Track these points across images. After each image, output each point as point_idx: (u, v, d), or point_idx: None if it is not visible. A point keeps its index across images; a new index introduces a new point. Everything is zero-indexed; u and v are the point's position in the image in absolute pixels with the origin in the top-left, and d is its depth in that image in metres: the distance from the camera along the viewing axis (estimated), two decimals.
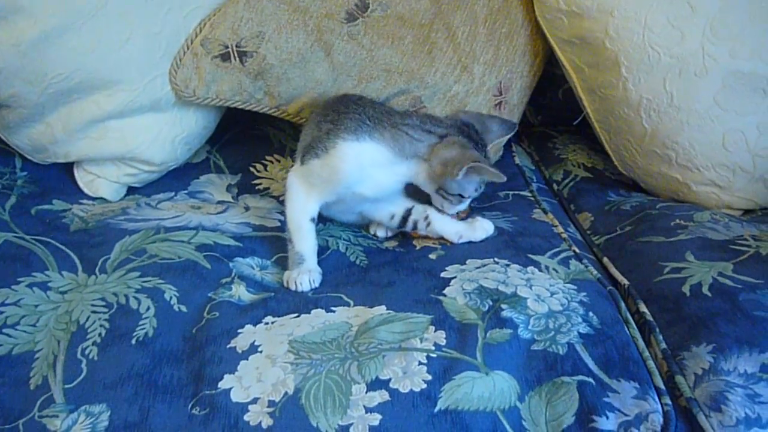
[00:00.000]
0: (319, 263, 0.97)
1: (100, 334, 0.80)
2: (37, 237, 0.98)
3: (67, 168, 1.19)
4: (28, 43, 1.01)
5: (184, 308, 0.85)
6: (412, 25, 1.15)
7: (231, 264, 0.95)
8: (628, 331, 0.83)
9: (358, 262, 1.00)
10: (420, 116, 1.02)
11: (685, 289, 0.88)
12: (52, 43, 1.02)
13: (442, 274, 0.92)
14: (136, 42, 1.07)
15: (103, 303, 0.84)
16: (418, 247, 1.02)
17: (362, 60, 1.13)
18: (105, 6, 1.04)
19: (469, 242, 1.02)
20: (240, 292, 0.89)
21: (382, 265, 0.98)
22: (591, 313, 0.83)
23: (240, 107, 1.17)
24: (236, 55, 1.11)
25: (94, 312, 0.83)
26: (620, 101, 1.17)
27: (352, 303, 0.87)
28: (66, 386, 0.74)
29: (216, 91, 1.14)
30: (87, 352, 0.78)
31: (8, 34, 1.00)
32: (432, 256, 0.98)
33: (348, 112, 0.98)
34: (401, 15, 1.14)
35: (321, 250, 1.00)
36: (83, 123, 1.10)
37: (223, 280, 0.91)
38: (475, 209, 1.14)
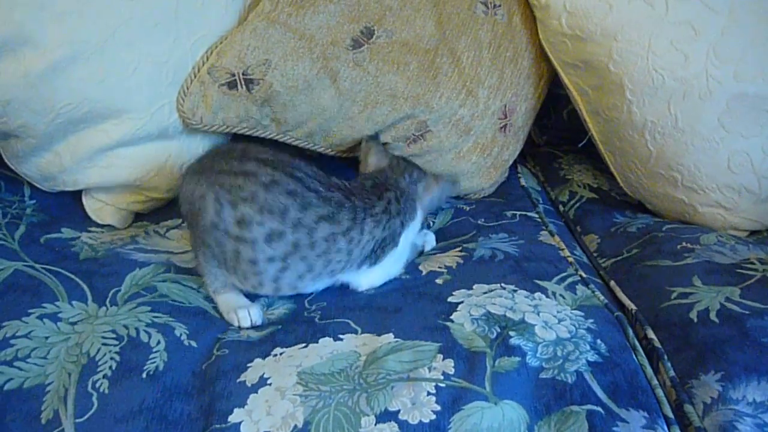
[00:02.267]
0: (326, 291, 0.97)
1: (110, 367, 0.80)
2: (46, 266, 0.98)
3: (75, 195, 1.20)
4: (36, 74, 1.01)
5: (194, 343, 0.85)
6: (417, 51, 1.16)
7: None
8: (636, 359, 0.83)
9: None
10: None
11: (693, 315, 0.88)
12: (60, 74, 1.03)
13: (449, 299, 0.92)
14: (144, 71, 1.08)
15: (114, 335, 0.85)
16: (424, 273, 1.03)
17: (368, 86, 1.14)
18: (113, 36, 1.04)
19: (473, 266, 1.01)
20: (248, 333, 0.90)
21: (389, 291, 0.98)
22: (599, 341, 0.84)
23: (246, 133, 1.18)
24: (243, 82, 1.12)
25: (104, 344, 0.83)
26: (625, 124, 1.17)
27: (359, 330, 0.87)
28: (77, 420, 0.74)
29: (223, 118, 1.15)
30: (98, 385, 0.78)
31: (17, 65, 1.01)
32: (438, 281, 0.99)
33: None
34: (406, 41, 1.15)
35: None
36: (91, 151, 1.11)
37: (231, 326, 0.92)
38: (484, 229, 1.15)
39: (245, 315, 0.92)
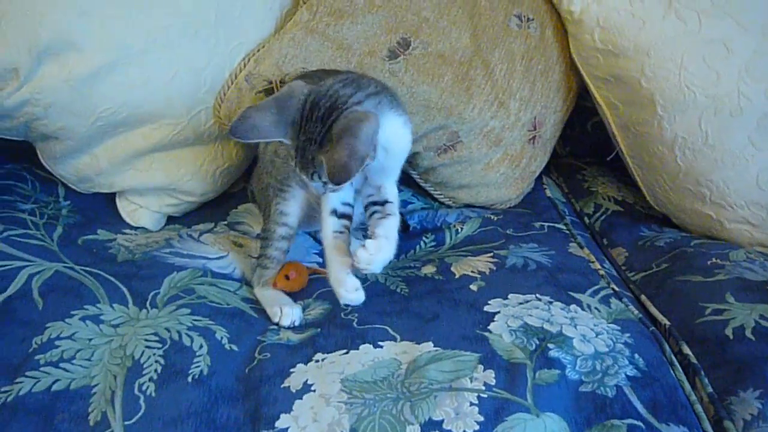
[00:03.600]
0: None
1: (156, 370, 0.81)
2: (86, 268, 0.99)
3: (108, 197, 1.21)
4: (79, 78, 1.03)
5: (235, 347, 0.87)
6: (451, 62, 1.17)
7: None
8: (674, 374, 0.84)
9: (398, 290, 1.01)
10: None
11: (728, 331, 0.89)
12: (102, 78, 1.04)
13: (486, 308, 0.93)
14: (183, 77, 1.10)
15: (157, 338, 0.86)
16: (457, 276, 1.03)
17: (402, 96, 1.15)
18: (154, 43, 1.06)
19: (506, 274, 1.02)
20: (288, 335, 0.91)
21: (423, 295, 0.99)
22: (637, 355, 0.85)
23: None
24: None
25: (148, 347, 0.85)
26: (655, 139, 1.19)
27: (398, 337, 0.88)
28: (126, 423, 0.75)
29: None
30: (144, 388, 0.79)
31: (61, 69, 1.02)
32: (473, 287, 0.99)
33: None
34: (441, 53, 1.17)
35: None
36: (129, 155, 1.12)
37: (270, 327, 0.93)
38: (513, 238, 1.15)
39: (289, 312, 0.93)
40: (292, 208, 1.02)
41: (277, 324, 0.94)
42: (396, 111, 0.91)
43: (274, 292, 0.99)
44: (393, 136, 0.90)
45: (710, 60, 1.12)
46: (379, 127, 0.83)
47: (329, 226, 0.95)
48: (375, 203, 0.98)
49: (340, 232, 0.95)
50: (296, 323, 0.94)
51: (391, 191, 0.98)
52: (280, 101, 0.86)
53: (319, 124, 0.83)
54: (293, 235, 1.03)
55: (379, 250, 0.89)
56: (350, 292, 0.90)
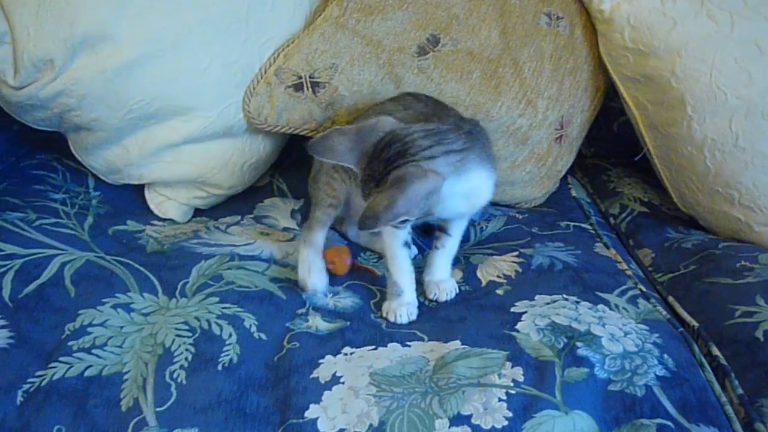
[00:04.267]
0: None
1: (186, 359, 0.82)
2: (116, 257, 1.01)
3: (137, 189, 1.22)
4: (113, 70, 1.04)
5: (264, 336, 0.87)
6: (480, 60, 1.17)
7: (304, 296, 0.97)
8: (703, 375, 0.83)
9: (426, 302, 1.00)
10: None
11: (759, 334, 0.88)
12: (135, 70, 1.05)
13: (512, 309, 0.93)
14: (214, 71, 1.11)
15: (187, 327, 0.87)
16: (483, 283, 1.03)
17: (431, 93, 1.15)
18: (187, 36, 1.07)
19: (533, 276, 1.02)
20: (317, 323, 0.91)
21: (450, 302, 0.99)
22: (666, 355, 0.84)
23: (308, 135, 1.20)
24: (309, 85, 1.14)
25: (178, 336, 0.85)
26: (684, 139, 1.18)
27: (426, 338, 0.89)
28: (158, 409, 0.76)
29: (287, 119, 1.17)
30: (175, 375, 0.80)
31: (95, 61, 1.04)
32: (499, 292, 1.00)
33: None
34: (471, 50, 1.17)
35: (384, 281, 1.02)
36: (159, 147, 1.13)
37: (299, 311, 0.94)
38: (538, 237, 1.15)
39: (315, 281, 0.98)
40: (339, 188, 1.04)
41: (302, 288, 0.98)
42: (482, 165, 0.91)
43: (312, 256, 1.01)
44: (475, 189, 0.91)
45: (742, 61, 1.12)
46: (439, 187, 0.82)
47: (405, 256, 0.98)
48: (440, 228, 1.02)
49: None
50: (323, 290, 0.98)
51: (458, 228, 1.02)
52: (363, 131, 0.87)
53: (383, 164, 0.83)
54: (339, 206, 1.05)
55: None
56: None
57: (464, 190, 0.88)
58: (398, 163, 0.82)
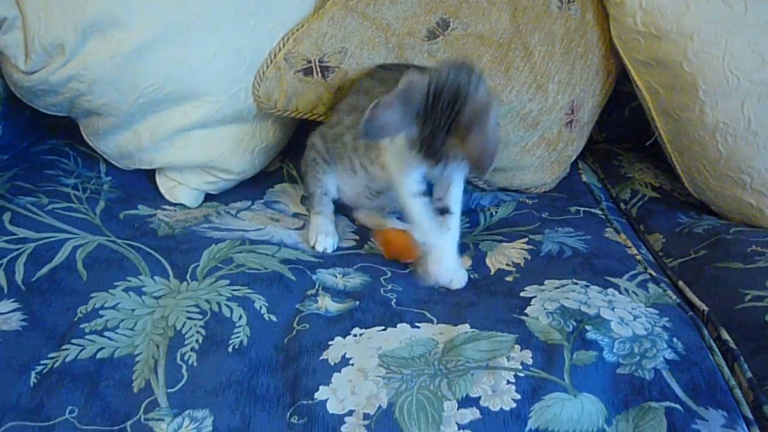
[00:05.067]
0: (400, 278, 0.99)
1: (197, 341, 0.83)
2: (127, 241, 1.01)
3: (148, 174, 1.23)
4: (123, 55, 1.05)
5: (274, 318, 0.88)
6: (490, 44, 1.17)
7: (314, 277, 0.97)
8: (713, 359, 0.83)
9: (437, 287, 1.00)
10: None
11: None
12: (146, 55, 1.06)
13: (522, 294, 0.94)
14: (224, 55, 1.11)
15: (197, 310, 0.88)
16: (492, 271, 1.03)
17: None
18: (197, 20, 1.07)
19: (542, 263, 1.03)
20: (326, 304, 0.92)
21: (460, 288, 0.99)
22: (675, 339, 0.84)
23: (317, 120, 1.20)
24: (319, 69, 1.14)
25: (189, 318, 0.86)
26: (696, 124, 1.17)
27: (435, 320, 0.89)
28: (169, 390, 0.77)
29: (296, 103, 1.17)
30: (186, 357, 0.81)
31: (106, 46, 1.04)
32: (509, 279, 1.00)
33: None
34: (481, 34, 1.16)
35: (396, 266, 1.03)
36: (170, 132, 1.14)
37: (309, 292, 0.94)
38: (549, 222, 1.15)
39: (322, 240, 1.05)
40: (323, 178, 1.11)
41: (313, 247, 1.04)
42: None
43: (322, 219, 1.09)
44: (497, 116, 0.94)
45: (755, 45, 1.11)
46: (499, 106, 0.85)
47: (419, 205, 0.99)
48: (440, 210, 1.02)
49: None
50: (328, 250, 1.05)
51: (456, 196, 1.02)
52: (403, 95, 0.87)
53: (446, 113, 0.85)
54: (330, 193, 1.12)
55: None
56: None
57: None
58: (459, 105, 0.85)
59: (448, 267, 0.98)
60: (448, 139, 0.86)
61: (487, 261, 1.06)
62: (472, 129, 0.83)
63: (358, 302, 0.92)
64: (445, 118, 0.85)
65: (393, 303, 0.92)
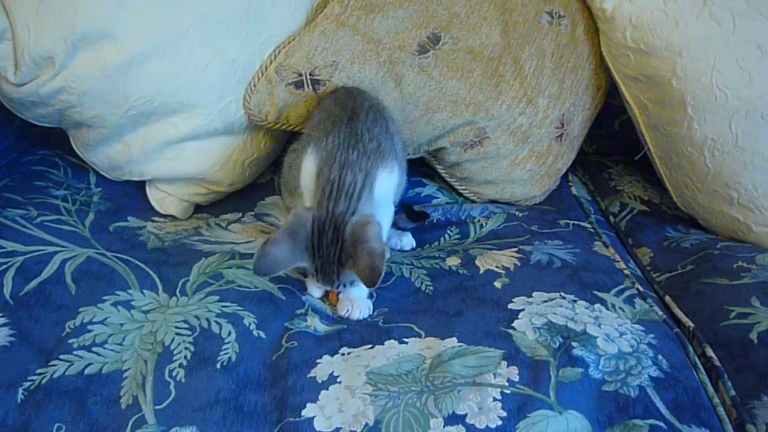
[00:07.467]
0: (385, 290, 1.00)
1: (186, 357, 0.83)
2: (117, 254, 1.01)
3: (138, 185, 1.23)
4: (113, 67, 1.05)
5: (263, 334, 0.88)
6: (481, 58, 1.17)
7: (303, 297, 0.98)
8: (697, 376, 0.84)
9: (423, 288, 1.01)
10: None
11: (753, 335, 0.89)
12: (136, 68, 1.06)
13: (510, 306, 0.94)
14: (215, 68, 1.11)
15: (186, 325, 0.88)
16: (482, 270, 1.04)
17: (431, 91, 1.16)
18: (187, 33, 1.07)
19: (531, 271, 1.03)
20: (315, 324, 0.92)
21: (448, 292, 0.99)
22: (660, 356, 0.85)
23: None
24: (309, 83, 1.14)
25: (178, 334, 0.86)
26: (684, 139, 1.18)
27: (423, 334, 0.89)
28: (156, 407, 0.77)
29: (286, 116, 1.17)
30: (174, 374, 0.81)
31: (95, 58, 1.04)
32: (497, 284, 1.00)
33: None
34: (471, 48, 1.17)
35: (386, 277, 1.03)
36: (160, 144, 1.14)
37: (298, 311, 0.94)
38: (538, 234, 1.16)
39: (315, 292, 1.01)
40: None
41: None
42: (387, 169, 0.98)
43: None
44: (384, 191, 0.98)
45: (743, 61, 1.11)
46: (377, 222, 0.91)
47: None
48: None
49: None
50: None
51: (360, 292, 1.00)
52: (291, 231, 0.91)
53: (331, 247, 0.90)
54: None
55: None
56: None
57: (380, 196, 0.96)
58: (341, 235, 0.90)
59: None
60: (339, 267, 0.91)
61: (477, 262, 1.06)
62: (356, 250, 0.88)
63: (346, 326, 0.93)
64: (332, 252, 0.90)
65: (380, 323, 0.93)
